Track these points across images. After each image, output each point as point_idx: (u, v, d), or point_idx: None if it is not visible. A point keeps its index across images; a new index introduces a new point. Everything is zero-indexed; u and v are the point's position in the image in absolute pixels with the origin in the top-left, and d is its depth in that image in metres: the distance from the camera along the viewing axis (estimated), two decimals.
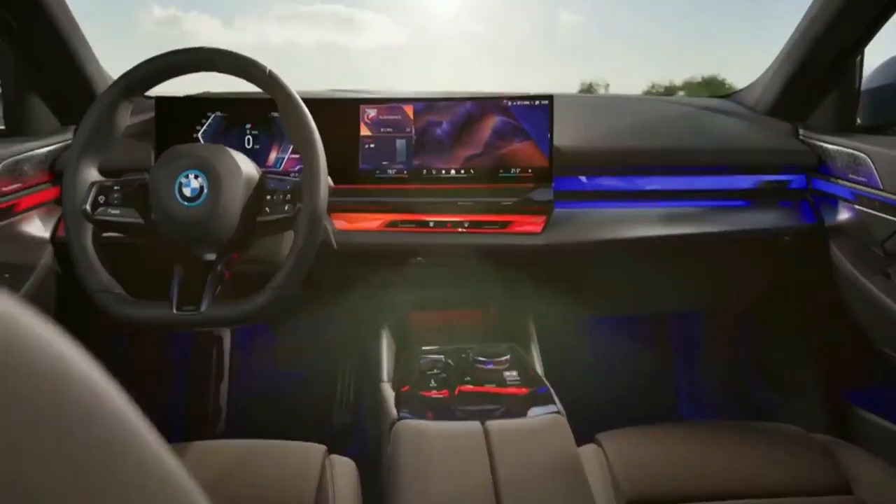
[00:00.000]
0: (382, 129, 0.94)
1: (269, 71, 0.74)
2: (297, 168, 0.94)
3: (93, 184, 0.73)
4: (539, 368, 0.89)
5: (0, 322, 0.16)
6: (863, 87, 1.03)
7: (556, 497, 0.63)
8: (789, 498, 0.66)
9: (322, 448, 0.70)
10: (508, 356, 0.85)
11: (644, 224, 0.96)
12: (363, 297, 1.05)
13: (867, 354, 0.93)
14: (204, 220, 0.69)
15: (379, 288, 1.04)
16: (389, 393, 0.81)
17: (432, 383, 0.81)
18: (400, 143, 0.94)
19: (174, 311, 0.70)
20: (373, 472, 0.76)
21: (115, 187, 0.73)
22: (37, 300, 0.87)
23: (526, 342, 0.95)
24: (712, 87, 1.23)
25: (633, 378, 1.35)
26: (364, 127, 0.94)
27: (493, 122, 0.93)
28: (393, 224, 0.93)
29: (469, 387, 0.80)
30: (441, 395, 0.79)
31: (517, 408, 0.76)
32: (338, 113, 0.94)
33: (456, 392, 0.79)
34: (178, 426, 1.25)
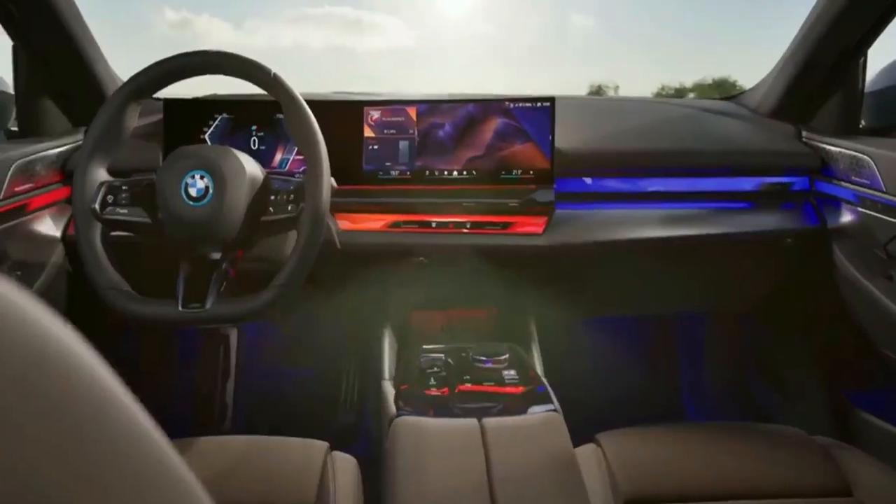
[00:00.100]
0: (386, 131, 0.95)
1: (274, 74, 0.75)
2: (301, 169, 0.96)
3: (102, 184, 0.74)
4: (539, 368, 0.89)
5: (10, 312, 0.17)
6: (867, 90, 1.03)
7: (550, 494, 0.63)
8: (788, 499, 0.66)
9: (324, 445, 0.71)
10: (507, 355, 0.86)
11: (646, 226, 0.97)
12: (366, 297, 1.06)
13: (869, 357, 0.93)
14: (209, 220, 0.71)
15: (382, 287, 1.05)
16: (390, 390, 0.82)
17: (432, 381, 0.82)
18: (403, 145, 0.95)
19: (180, 308, 0.71)
20: (375, 469, 0.77)
21: (124, 187, 0.74)
22: (47, 297, 0.89)
23: (527, 342, 0.95)
24: (723, 89, 1.23)
25: (635, 379, 1.35)
26: (367, 128, 0.95)
27: (495, 123, 0.94)
28: (396, 224, 0.94)
29: (468, 385, 0.81)
30: (440, 393, 0.80)
31: (515, 406, 0.77)
32: (342, 115, 0.95)
33: (455, 390, 0.80)
34: (184, 423, 1.27)
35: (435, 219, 0.93)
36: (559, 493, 0.64)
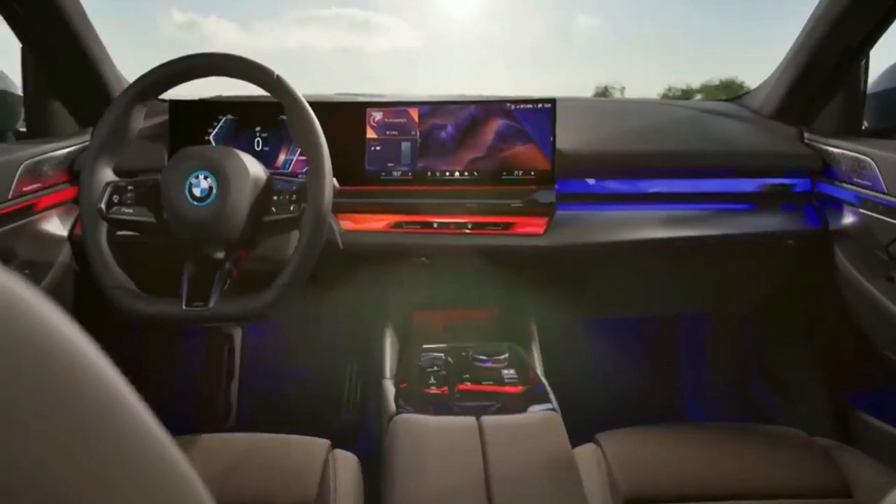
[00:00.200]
0: (388, 132, 0.96)
1: (277, 75, 0.76)
2: (304, 170, 0.97)
3: (108, 184, 0.75)
4: (538, 368, 0.90)
5: (16, 308, 0.17)
6: (870, 91, 1.03)
7: (547, 492, 0.64)
8: (788, 500, 0.66)
9: (326, 442, 0.72)
10: (507, 355, 0.87)
11: (647, 227, 0.97)
12: (368, 297, 1.07)
13: (871, 358, 0.93)
14: (213, 220, 0.72)
15: (383, 287, 1.06)
16: (390, 389, 0.83)
17: (432, 380, 0.82)
18: (405, 146, 0.96)
19: (183, 307, 0.72)
20: (376, 467, 0.78)
21: (129, 187, 0.75)
22: (54, 296, 0.90)
23: (527, 342, 0.96)
24: (730, 90, 1.23)
25: (636, 379, 1.35)
26: (370, 130, 0.96)
27: (496, 125, 0.95)
28: (398, 225, 0.95)
29: (467, 384, 0.82)
30: (440, 392, 0.80)
31: (514, 405, 0.77)
32: (345, 116, 0.96)
33: (455, 389, 0.81)
34: (188, 421, 1.28)
35: (436, 219, 0.94)
36: (556, 492, 0.64)
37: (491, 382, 0.82)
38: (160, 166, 0.76)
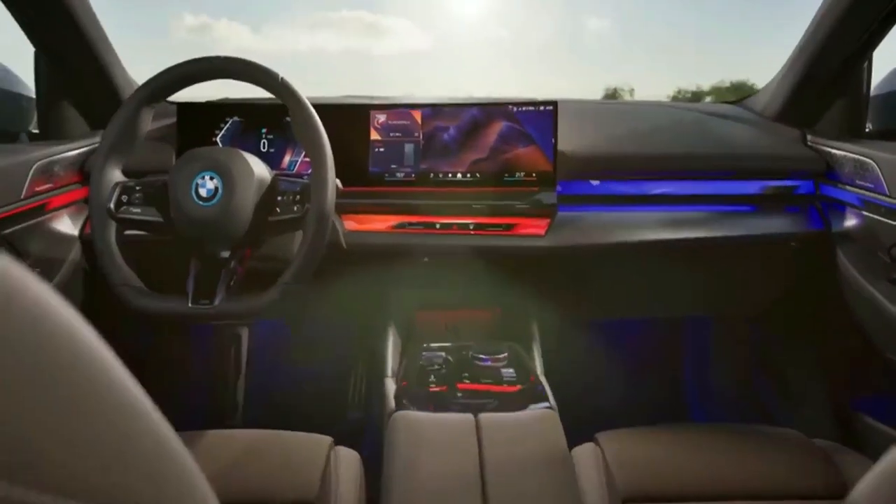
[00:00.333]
0: (392, 134, 0.97)
1: (281, 78, 0.77)
2: (309, 171, 0.98)
3: (117, 184, 0.77)
4: (539, 368, 0.90)
5: (15, 289, 0.18)
6: (874, 93, 1.03)
7: (541, 487, 0.65)
8: (786, 501, 0.66)
9: (328, 439, 0.73)
10: (506, 354, 0.88)
11: (649, 228, 0.97)
12: (372, 297, 1.08)
13: (873, 361, 0.93)
14: (218, 219, 0.73)
15: (387, 288, 1.07)
16: (391, 387, 0.84)
17: (432, 378, 0.83)
18: (408, 148, 0.97)
19: (189, 304, 0.74)
20: (378, 464, 0.79)
21: (137, 187, 0.77)
22: (65, 293, 0.92)
23: (528, 342, 0.96)
24: (741, 92, 1.23)
25: (640, 381, 1.35)
26: (374, 131, 0.98)
27: (498, 127, 0.96)
28: (401, 226, 0.96)
29: (466, 383, 0.83)
30: (439, 390, 0.81)
31: (511, 403, 0.78)
32: (349, 118, 0.97)
33: (454, 387, 0.82)
34: (196, 418, 1.30)
35: (439, 220, 0.95)
36: (550, 488, 0.65)
37: (490, 381, 0.83)
38: (168, 167, 0.78)
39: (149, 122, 0.82)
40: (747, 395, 1.30)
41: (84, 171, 0.98)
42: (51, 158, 0.90)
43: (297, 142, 0.98)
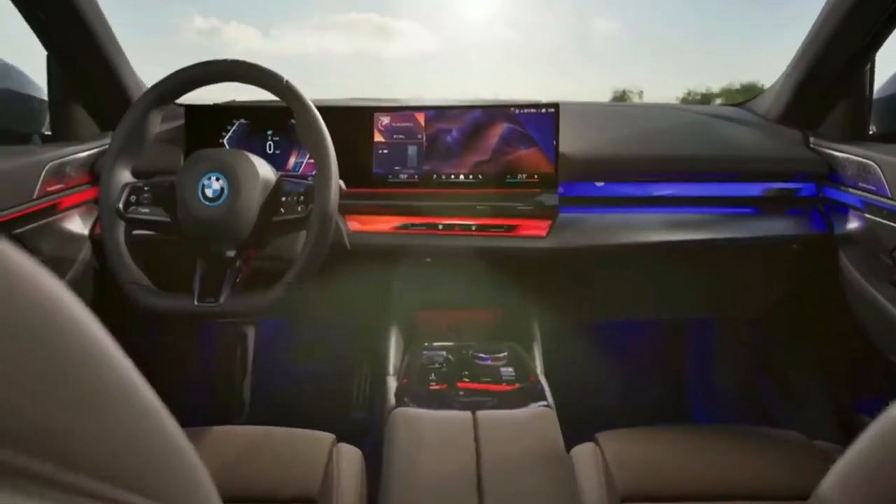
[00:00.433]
0: (395, 136, 0.99)
1: (286, 81, 0.79)
2: (314, 172, 1.00)
3: (125, 185, 0.79)
4: (539, 368, 0.91)
5: (12, 270, 0.18)
6: (878, 95, 1.03)
7: (537, 483, 0.65)
8: (785, 502, 0.66)
9: (331, 437, 0.74)
10: (506, 353, 0.88)
11: (651, 230, 0.98)
12: (375, 297, 1.09)
13: (875, 363, 0.93)
14: (224, 220, 0.75)
15: (390, 288, 1.08)
16: (392, 385, 0.85)
17: (432, 377, 0.84)
18: (411, 149, 0.98)
19: (195, 302, 0.75)
20: (380, 462, 0.80)
21: (146, 188, 0.79)
22: (76, 291, 0.93)
23: (530, 343, 0.97)
24: (751, 94, 1.23)
25: (642, 382, 1.35)
26: (378, 133, 0.99)
27: (500, 129, 0.97)
28: (404, 226, 0.97)
29: (466, 382, 0.83)
30: (439, 388, 0.82)
31: (510, 401, 0.79)
32: (354, 120, 0.99)
33: (454, 386, 0.83)
34: (201, 415, 1.31)
35: (442, 221, 0.96)
36: (546, 485, 0.65)
37: (489, 380, 0.84)
38: (176, 168, 0.79)
39: (157, 124, 0.83)
40: (750, 396, 1.29)
41: (94, 171, 1.00)
42: (62, 159, 0.92)
43: (302, 144, 0.99)
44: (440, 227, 0.96)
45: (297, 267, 0.75)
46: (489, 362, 0.87)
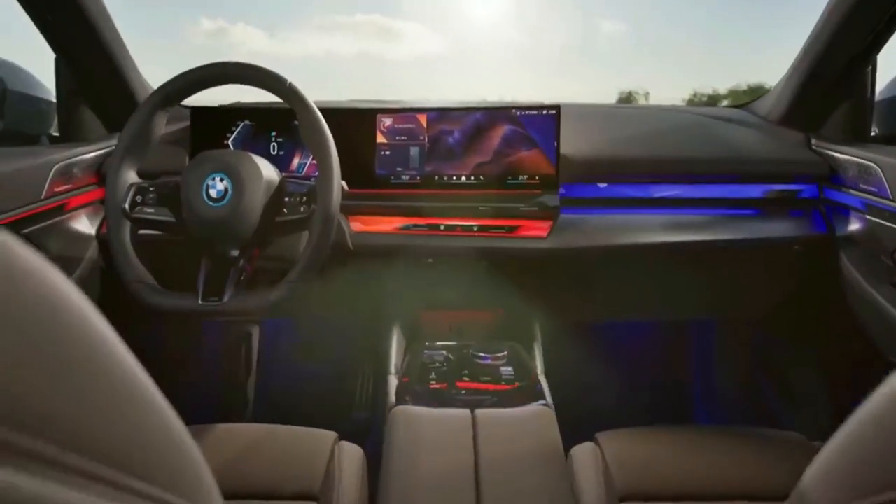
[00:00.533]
0: (397, 137, 1.00)
1: (289, 83, 0.80)
2: (317, 173, 1.01)
3: (131, 185, 0.80)
4: (539, 367, 0.92)
5: (14, 259, 0.19)
6: (880, 97, 1.03)
7: (534, 481, 0.66)
8: (783, 502, 0.66)
9: (333, 435, 0.75)
10: (506, 353, 0.89)
11: (652, 231, 0.98)
12: (377, 297, 1.10)
13: (876, 365, 0.92)
14: (228, 220, 0.76)
15: (392, 288, 1.09)
16: (393, 384, 0.86)
17: (433, 376, 0.85)
18: (413, 151, 0.99)
19: (199, 301, 0.76)
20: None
21: (151, 188, 0.80)
22: (83, 289, 0.95)
23: (529, 343, 0.98)
24: (758, 95, 1.24)
25: (646, 383, 1.36)
26: (380, 135, 1.00)
27: (502, 130, 0.97)
28: (406, 227, 0.98)
29: (466, 381, 0.84)
30: (439, 387, 0.83)
31: (509, 400, 0.80)
32: (356, 122, 1.00)
33: (454, 385, 0.83)
34: (206, 414, 1.32)
35: (443, 222, 0.97)
36: (543, 482, 0.66)
37: (488, 379, 0.84)
38: (182, 169, 0.80)
39: (163, 126, 0.85)
40: (750, 397, 1.29)
41: (101, 172, 1.01)
42: (70, 160, 0.94)
43: (305, 145, 1.00)
44: (442, 227, 0.97)
45: (299, 266, 0.76)
46: (489, 362, 0.88)
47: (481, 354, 0.88)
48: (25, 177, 0.86)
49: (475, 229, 0.96)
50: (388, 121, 1.00)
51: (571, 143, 0.99)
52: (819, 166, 1.00)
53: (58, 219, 0.92)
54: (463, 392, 0.82)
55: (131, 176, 0.82)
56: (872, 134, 1.05)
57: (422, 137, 0.99)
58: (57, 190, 0.91)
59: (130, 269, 0.78)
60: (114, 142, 1.06)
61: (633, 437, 0.76)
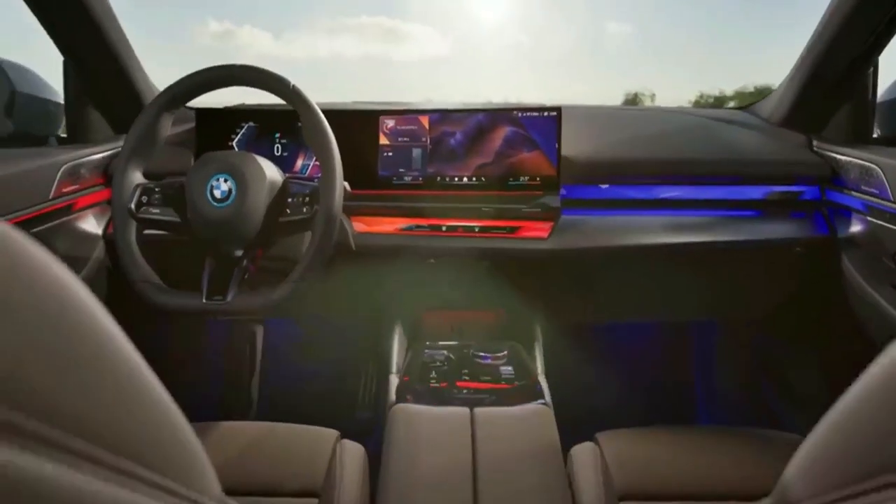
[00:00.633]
0: (400, 139, 1.00)
1: (293, 85, 0.81)
2: (320, 174, 1.02)
3: (137, 186, 0.81)
4: (539, 368, 0.92)
5: (15, 249, 0.19)
6: (882, 99, 1.03)
7: (532, 480, 0.66)
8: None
9: (335, 433, 0.76)
10: (506, 352, 0.90)
11: (654, 232, 0.98)
12: (380, 297, 1.11)
13: None
14: (231, 220, 0.77)
15: (394, 288, 1.10)
16: (394, 383, 0.86)
17: (433, 375, 0.86)
18: (416, 152, 1.00)
19: (203, 300, 0.77)
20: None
21: (157, 189, 0.81)
22: (89, 288, 0.96)
23: (530, 343, 0.98)
24: (764, 96, 1.24)
25: (647, 384, 1.36)
26: (383, 136, 1.01)
27: (503, 132, 0.98)
28: (408, 228, 0.98)
29: (466, 380, 0.85)
30: (439, 386, 0.84)
31: (508, 399, 0.80)
32: (359, 123, 1.00)
33: (454, 384, 0.84)
34: (210, 412, 1.34)
35: (445, 223, 0.98)
36: (541, 481, 0.67)
37: (489, 379, 0.85)
38: (187, 170, 0.81)
39: (168, 127, 0.86)
40: (751, 398, 1.29)
41: (108, 173, 1.03)
42: (77, 161, 0.95)
43: (308, 146, 1.01)
44: (443, 228, 0.98)
45: (301, 266, 0.77)
46: (489, 361, 0.88)
47: (482, 354, 0.89)
48: (34, 177, 0.87)
49: (476, 230, 0.97)
50: (390, 122, 1.01)
51: (574, 144, 0.99)
52: (821, 168, 1.00)
53: (65, 219, 0.93)
54: (463, 391, 0.83)
55: (137, 177, 0.83)
56: (874, 136, 1.05)
57: (424, 139, 1.00)
58: (65, 190, 0.92)
59: (136, 268, 0.79)
60: (120, 143, 1.07)
61: (633, 437, 0.76)
